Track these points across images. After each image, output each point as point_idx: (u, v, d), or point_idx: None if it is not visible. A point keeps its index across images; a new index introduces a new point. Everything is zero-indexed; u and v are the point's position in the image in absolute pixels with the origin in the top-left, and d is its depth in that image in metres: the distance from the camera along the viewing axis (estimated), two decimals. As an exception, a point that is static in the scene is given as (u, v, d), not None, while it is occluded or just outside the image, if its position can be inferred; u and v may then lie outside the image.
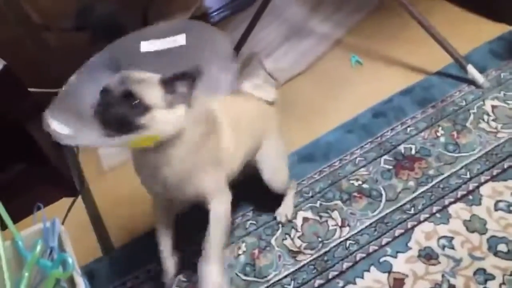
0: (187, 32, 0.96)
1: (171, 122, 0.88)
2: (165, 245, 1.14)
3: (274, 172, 1.20)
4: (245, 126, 1.11)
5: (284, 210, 1.26)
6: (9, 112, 1.35)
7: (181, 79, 0.88)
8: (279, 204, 1.27)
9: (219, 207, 1.02)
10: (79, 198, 1.51)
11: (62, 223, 1.42)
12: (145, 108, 0.86)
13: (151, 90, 0.87)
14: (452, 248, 1.11)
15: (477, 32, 1.64)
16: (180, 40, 0.95)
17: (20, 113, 1.48)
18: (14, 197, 1.37)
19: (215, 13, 2.15)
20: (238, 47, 1.71)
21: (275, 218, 1.27)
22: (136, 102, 0.86)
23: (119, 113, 0.85)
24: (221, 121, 1.04)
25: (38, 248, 1.02)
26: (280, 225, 1.25)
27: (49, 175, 1.48)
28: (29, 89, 1.77)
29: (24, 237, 1.10)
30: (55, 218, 1.12)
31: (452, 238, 1.13)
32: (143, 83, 0.88)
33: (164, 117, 0.87)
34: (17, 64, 1.61)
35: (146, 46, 0.99)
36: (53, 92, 1.96)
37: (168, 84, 0.88)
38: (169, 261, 1.14)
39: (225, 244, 1.06)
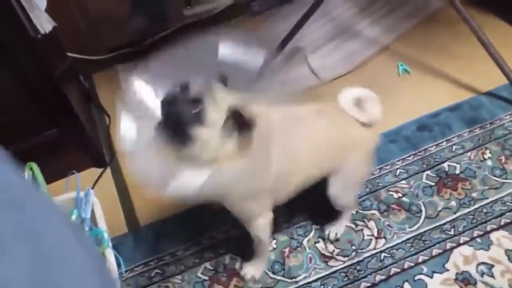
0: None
1: (215, 149, 0.85)
2: None
3: (343, 192, 1.08)
4: (308, 153, 0.98)
5: (337, 228, 1.19)
6: (50, 75, 1.32)
7: (242, 129, 0.84)
8: (315, 205, 1.23)
9: (257, 223, 1.02)
10: (108, 171, 1.49)
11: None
12: (201, 121, 0.83)
13: (217, 111, 0.84)
14: (492, 276, 1.08)
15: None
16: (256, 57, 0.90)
17: (58, 77, 1.45)
18: (45, 161, 1.35)
19: (259, 2, 2.10)
20: (284, 42, 1.67)
21: (316, 229, 1.22)
22: (198, 110, 0.82)
23: (180, 112, 0.82)
24: (277, 148, 0.94)
25: (73, 217, 1.00)
26: (313, 229, 1.22)
27: (81, 143, 1.45)
28: (68, 53, 1.75)
29: (58, 202, 1.08)
30: (89, 189, 1.10)
31: (492, 265, 1.10)
32: (217, 102, 0.84)
33: (212, 141, 0.84)
34: (59, 27, 1.59)
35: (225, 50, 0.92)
36: (89, 59, 1.93)
37: (234, 116, 0.84)
38: None
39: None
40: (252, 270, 1.15)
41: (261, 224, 1.02)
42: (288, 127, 0.96)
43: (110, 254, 0.98)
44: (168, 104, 0.84)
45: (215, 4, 2.10)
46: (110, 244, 0.99)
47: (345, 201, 1.13)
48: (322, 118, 1.02)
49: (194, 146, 0.84)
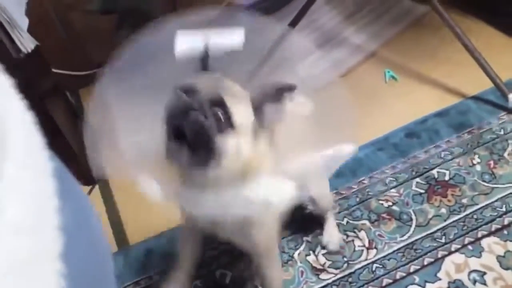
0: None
1: (249, 157, 0.69)
2: (183, 261, 1.07)
3: (322, 187, 1.08)
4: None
5: (334, 238, 1.18)
6: (33, 94, 1.31)
7: (271, 100, 0.69)
8: (305, 219, 1.23)
9: (275, 254, 0.95)
10: (96, 188, 1.47)
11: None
12: (229, 127, 0.66)
13: (243, 108, 0.68)
14: (484, 283, 1.07)
15: (518, 59, 1.60)
16: (237, 37, 0.72)
17: (42, 93, 1.44)
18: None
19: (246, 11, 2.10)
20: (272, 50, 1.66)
21: (314, 244, 1.20)
22: (224, 115, 0.66)
23: (201, 121, 0.65)
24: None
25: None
26: (304, 241, 1.21)
27: (67, 161, 1.43)
28: (53, 70, 1.73)
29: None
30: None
31: (484, 273, 1.09)
32: (236, 96, 0.69)
33: (244, 148, 0.68)
34: (43, 44, 1.57)
35: (184, 40, 0.74)
36: (76, 74, 1.91)
37: (258, 104, 0.70)
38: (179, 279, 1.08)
39: None
40: None
41: (277, 259, 0.95)
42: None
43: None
44: (179, 117, 0.66)
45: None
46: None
47: (328, 199, 1.14)
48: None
49: (225, 161, 0.67)
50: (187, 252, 1.07)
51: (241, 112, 0.68)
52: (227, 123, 0.66)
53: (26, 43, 1.24)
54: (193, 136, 0.65)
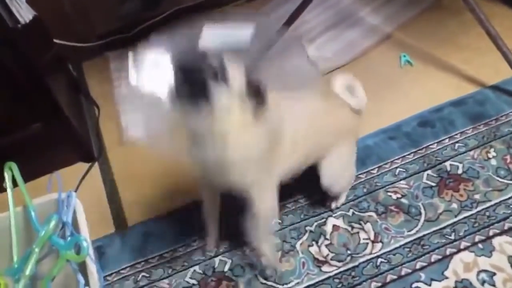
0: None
1: (235, 117, 0.84)
2: (210, 219, 1.13)
3: (335, 179, 1.11)
4: (307, 136, 1.00)
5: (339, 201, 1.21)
6: (33, 66, 1.25)
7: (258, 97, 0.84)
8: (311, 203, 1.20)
9: (267, 195, 0.98)
10: (96, 166, 1.43)
11: (76, 189, 1.36)
12: (223, 82, 0.80)
13: (238, 75, 0.82)
14: (493, 285, 1.03)
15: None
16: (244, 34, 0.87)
17: (43, 66, 1.39)
18: (28, 156, 1.30)
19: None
20: (287, 24, 1.58)
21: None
22: (221, 67, 0.79)
23: (201, 66, 0.79)
24: (283, 129, 0.95)
25: (52, 224, 0.95)
26: (308, 231, 1.17)
27: (67, 136, 1.39)
28: (54, 40, 1.67)
29: (37, 205, 1.02)
30: (71, 191, 1.04)
31: (494, 273, 1.04)
32: (235, 64, 0.82)
33: (233, 108, 0.83)
34: (45, 15, 1.51)
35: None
36: (79, 46, 1.85)
37: (252, 84, 0.84)
38: (211, 237, 1.15)
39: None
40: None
41: (270, 197, 0.98)
42: (291, 103, 0.97)
43: (90, 263, 0.92)
44: (185, 62, 0.80)
45: (211, -13, 2.01)
46: (91, 255, 0.94)
47: (340, 187, 1.15)
48: (321, 101, 1.06)
49: (215, 108, 0.81)
50: (211, 219, 1.13)
51: (236, 76, 0.81)
52: (223, 76, 0.79)
53: (24, 14, 1.18)
54: (190, 79, 0.79)
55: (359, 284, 1.07)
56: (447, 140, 1.31)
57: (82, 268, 0.93)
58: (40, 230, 0.94)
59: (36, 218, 0.98)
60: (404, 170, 1.26)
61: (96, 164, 1.43)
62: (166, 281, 1.13)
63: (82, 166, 1.42)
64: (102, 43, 1.83)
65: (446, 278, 1.05)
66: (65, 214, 1.00)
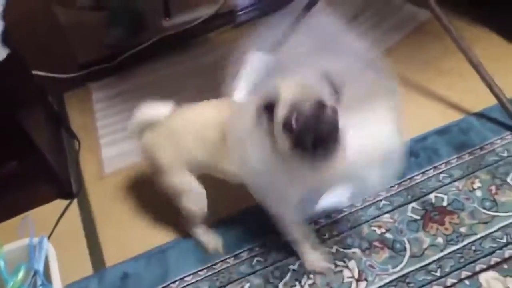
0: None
1: None
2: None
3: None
4: None
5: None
6: (7, 103, 1.23)
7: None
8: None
9: None
10: (75, 202, 1.40)
11: (54, 228, 1.33)
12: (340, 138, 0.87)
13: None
14: (481, 325, 1.00)
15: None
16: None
17: (21, 100, 1.36)
18: (4, 196, 1.26)
19: (242, 12, 2.01)
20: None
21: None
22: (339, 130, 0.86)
23: (333, 124, 0.85)
24: None
25: (21, 274, 0.91)
26: (290, 270, 1.13)
27: (44, 174, 1.36)
28: (33, 72, 1.65)
29: (7, 252, 0.99)
30: (43, 237, 1.01)
31: (481, 312, 1.01)
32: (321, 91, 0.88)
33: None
34: (25, 45, 1.49)
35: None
36: (59, 77, 1.82)
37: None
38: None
39: None
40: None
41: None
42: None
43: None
44: (319, 124, 0.84)
45: (196, 14, 2.01)
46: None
47: None
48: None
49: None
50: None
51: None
52: (340, 137, 0.87)
53: (-1, 53, 1.16)
54: (327, 137, 0.85)
55: (343, 326, 1.03)
56: (431, 171, 1.29)
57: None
58: (8, 281, 0.91)
59: (5, 267, 0.94)
60: (389, 203, 1.23)
61: (75, 200, 1.40)
62: (144, 326, 1.09)
63: (60, 204, 1.39)
64: (83, 73, 1.81)
65: (432, 318, 1.02)
66: (37, 261, 0.97)
